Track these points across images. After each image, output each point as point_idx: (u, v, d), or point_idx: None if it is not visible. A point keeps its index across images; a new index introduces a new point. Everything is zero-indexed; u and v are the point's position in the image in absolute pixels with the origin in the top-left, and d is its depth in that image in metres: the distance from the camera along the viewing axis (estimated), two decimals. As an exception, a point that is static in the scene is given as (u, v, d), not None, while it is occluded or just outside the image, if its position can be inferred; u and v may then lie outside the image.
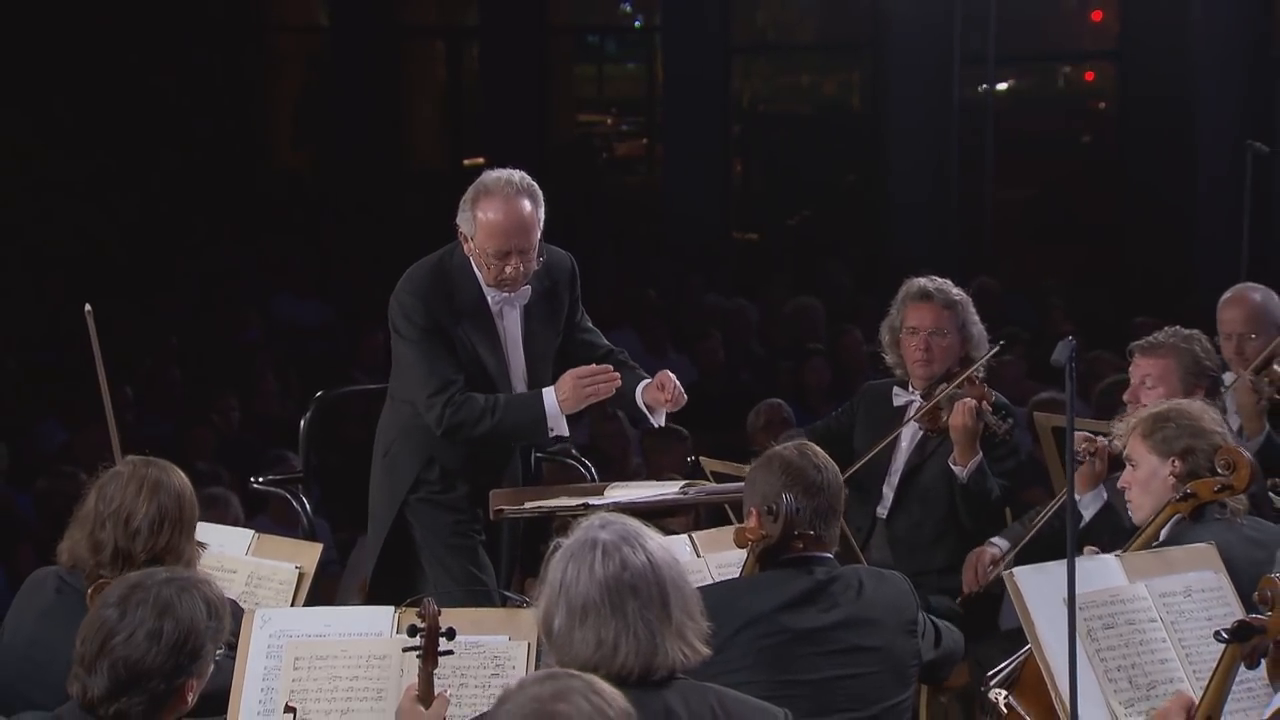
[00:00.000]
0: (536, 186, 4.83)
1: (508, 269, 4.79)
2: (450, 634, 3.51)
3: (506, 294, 4.88)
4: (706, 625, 3.18)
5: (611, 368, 4.88)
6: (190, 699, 3.30)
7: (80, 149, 12.94)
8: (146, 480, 3.95)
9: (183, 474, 4.04)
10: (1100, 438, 4.76)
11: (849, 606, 3.87)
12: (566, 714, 2.51)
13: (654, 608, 3.08)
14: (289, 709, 3.66)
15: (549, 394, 4.82)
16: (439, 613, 3.52)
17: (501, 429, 4.85)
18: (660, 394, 4.89)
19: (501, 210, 4.76)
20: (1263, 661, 3.17)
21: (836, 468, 4.01)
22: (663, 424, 5.07)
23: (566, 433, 4.93)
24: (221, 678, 3.80)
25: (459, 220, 4.85)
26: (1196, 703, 3.31)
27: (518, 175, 4.83)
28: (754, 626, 3.78)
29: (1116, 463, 4.70)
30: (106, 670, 3.22)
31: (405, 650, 3.56)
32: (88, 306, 4.70)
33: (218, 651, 3.39)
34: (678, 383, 4.91)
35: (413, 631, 3.51)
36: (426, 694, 3.47)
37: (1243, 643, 3.14)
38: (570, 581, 3.10)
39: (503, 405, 4.84)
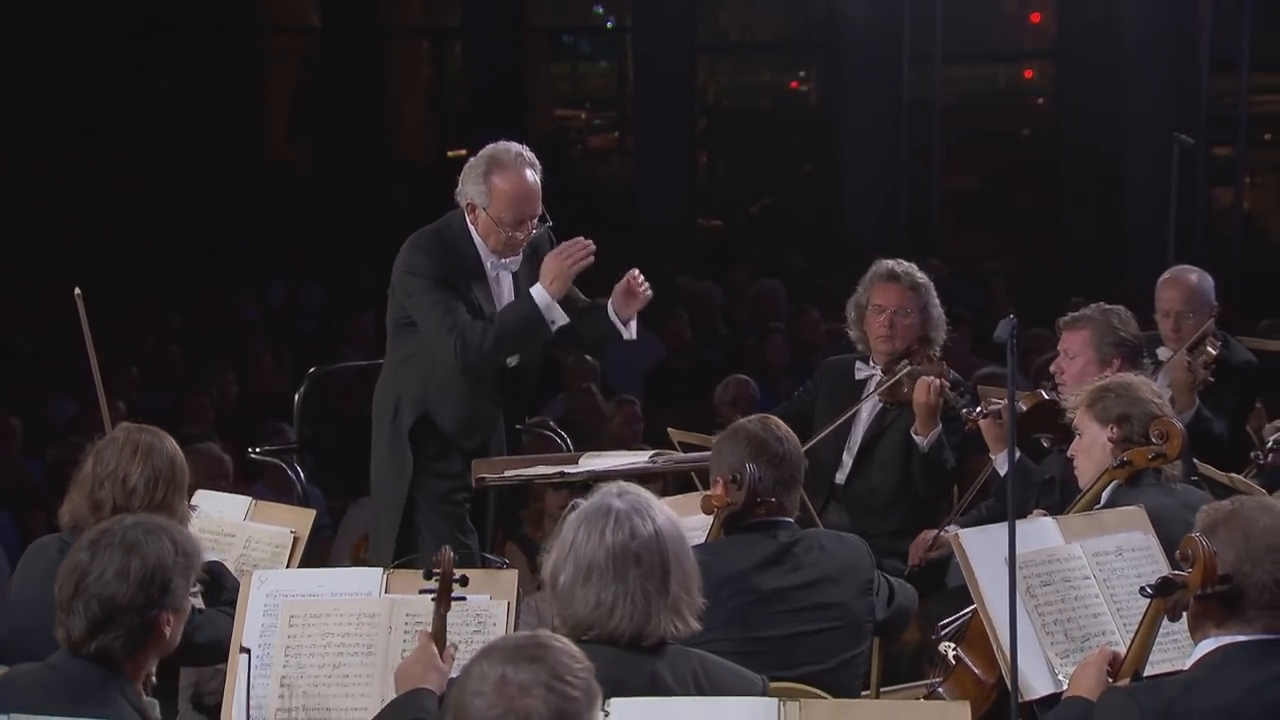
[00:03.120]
0: (535, 157, 4.85)
1: (519, 235, 4.81)
2: (464, 581, 3.48)
3: (504, 260, 4.87)
4: (701, 601, 3.18)
5: (582, 238, 4.82)
6: (168, 633, 3.28)
7: (88, 144, 12.86)
8: (140, 445, 3.96)
9: (173, 439, 4.05)
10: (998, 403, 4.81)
11: (811, 568, 3.87)
12: (533, 709, 2.51)
13: (654, 579, 3.08)
14: (244, 650, 3.63)
15: (536, 287, 4.77)
16: (454, 559, 3.49)
17: (503, 334, 4.77)
18: (631, 297, 4.87)
19: (515, 181, 4.76)
20: (1184, 615, 3.18)
21: (797, 439, 4.00)
22: (634, 336, 5.02)
23: (566, 319, 4.82)
24: (218, 629, 3.85)
25: (468, 191, 4.81)
26: (1124, 654, 3.32)
27: (522, 148, 4.84)
28: (727, 587, 3.77)
29: (1022, 422, 4.74)
30: (82, 610, 3.21)
31: (421, 592, 3.50)
32: (77, 290, 4.66)
33: (194, 588, 3.37)
34: (641, 277, 4.87)
35: (429, 575, 3.48)
36: (439, 634, 3.44)
37: (1165, 597, 3.15)
38: (581, 542, 3.10)
39: (498, 314, 4.79)
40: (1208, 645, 3.09)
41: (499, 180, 4.76)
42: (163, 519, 3.47)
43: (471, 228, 4.85)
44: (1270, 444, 5.02)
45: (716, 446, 3.99)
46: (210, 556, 4.09)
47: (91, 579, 3.22)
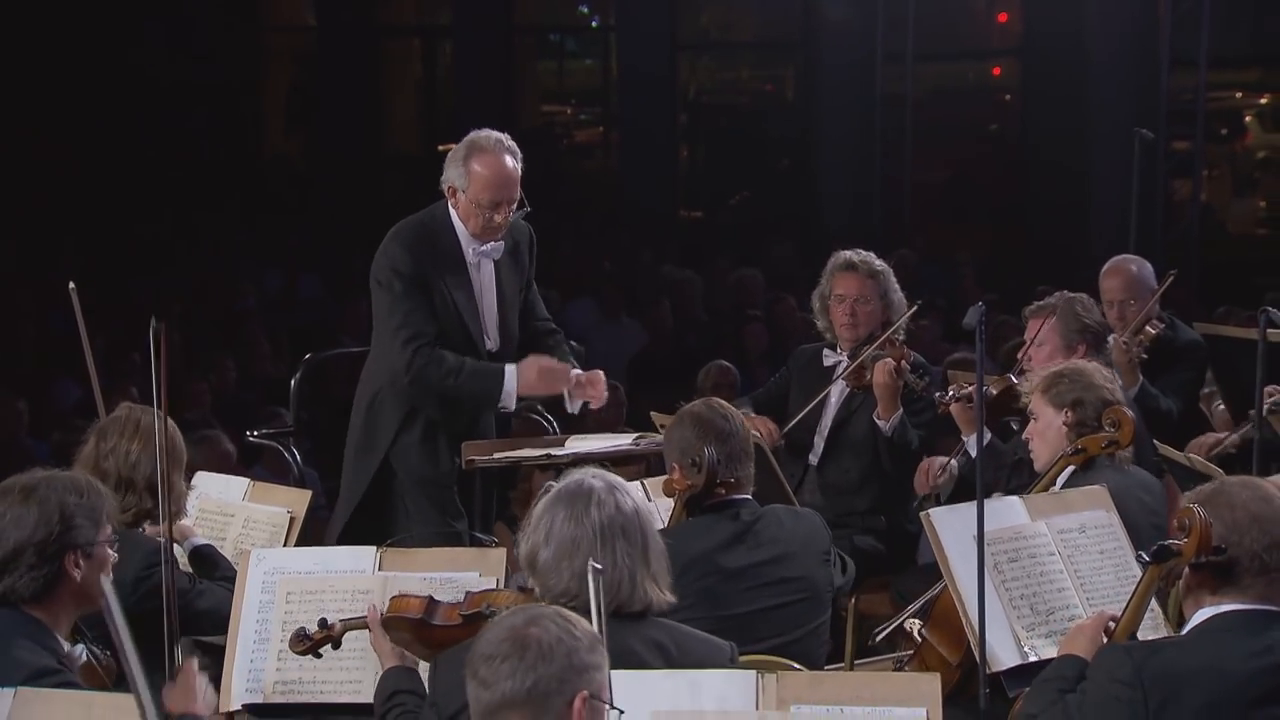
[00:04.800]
0: (516, 146, 4.84)
1: (496, 218, 4.77)
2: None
3: (484, 247, 4.84)
4: (670, 579, 3.19)
5: (598, 388, 4.86)
6: (78, 576, 3.22)
7: (94, 139, 12.81)
8: (141, 423, 3.99)
9: (171, 420, 4.03)
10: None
11: (772, 544, 3.88)
12: (538, 636, 2.53)
13: (637, 551, 3.10)
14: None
15: (510, 375, 4.76)
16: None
17: (460, 392, 4.79)
18: (590, 390, 4.88)
19: (494, 165, 4.74)
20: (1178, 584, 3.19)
21: (740, 415, 4.00)
22: (575, 411, 5.00)
23: (513, 408, 4.87)
24: (216, 598, 3.89)
25: (449, 175, 4.79)
26: (1118, 619, 3.33)
27: (502, 135, 4.82)
28: (694, 568, 3.77)
29: (991, 406, 4.74)
30: None
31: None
32: (71, 285, 4.64)
33: (112, 539, 3.31)
34: (604, 386, 4.92)
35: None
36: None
37: (1161, 564, 3.16)
38: (562, 521, 3.10)
39: (467, 371, 4.77)
40: (1204, 614, 3.10)
41: (478, 165, 4.75)
42: (72, 472, 3.44)
43: (452, 212, 4.82)
44: (1269, 405, 5.03)
45: (666, 435, 3.99)
46: (200, 540, 4.11)
47: None
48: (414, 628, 3.30)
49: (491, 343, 4.93)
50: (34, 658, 3.10)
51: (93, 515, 3.24)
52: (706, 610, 3.70)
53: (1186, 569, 3.10)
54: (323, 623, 3.47)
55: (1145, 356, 5.48)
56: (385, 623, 3.37)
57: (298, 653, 3.47)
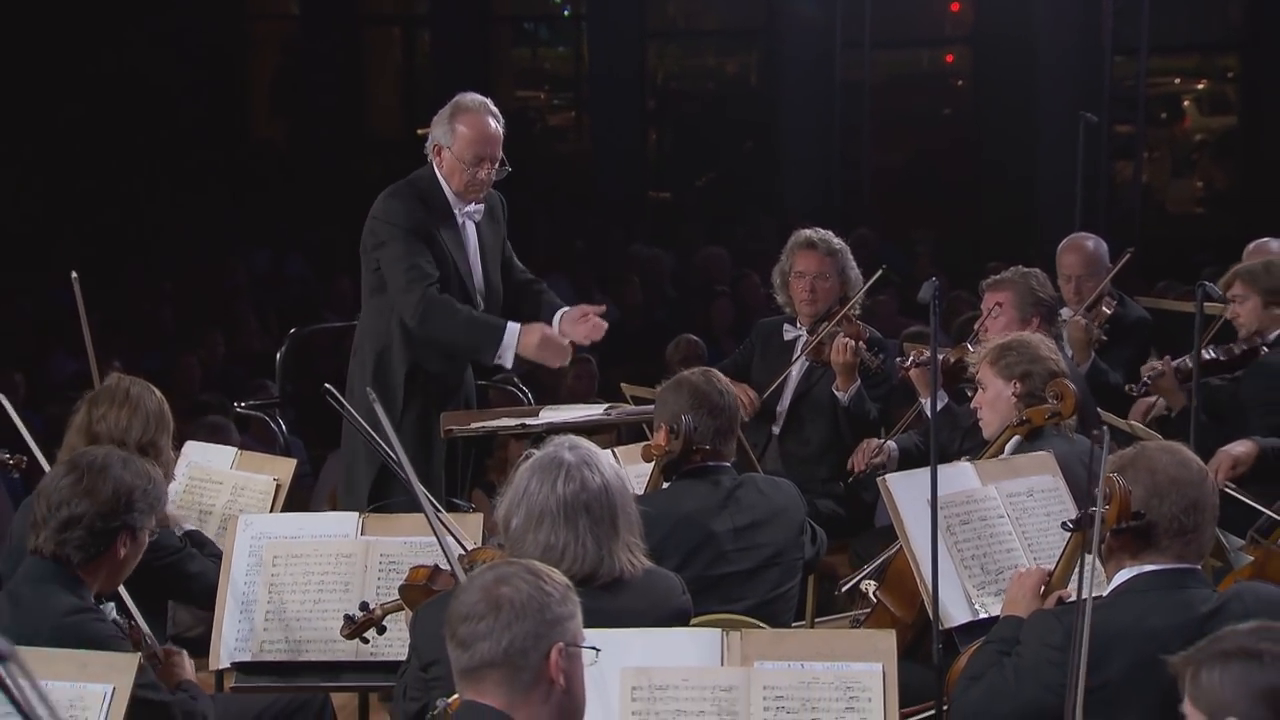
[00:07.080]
0: (498, 110, 4.83)
1: (480, 174, 4.76)
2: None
3: (469, 207, 4.81)
4: (644, 546, 3.18)
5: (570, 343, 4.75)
6: (122, 554, 3.31)
7: (88, 125, 12.70)
8: (131, 391, 4.04)
9: (157, 390, 4.12)
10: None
11: (751, 510, 3.87)
12: (510, 596, 2.51)
13: (604, 525, 3.08)
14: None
15: (512, 333, 4.65)
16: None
17: (458, 338, 4.69)
18: (580, 325, 4.78)
19: (478, 124, 4.75)
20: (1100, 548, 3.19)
21: (734, 392, 3.99)
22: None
23: (509, 365, 4.80)
24: (204, 564, 3.92)
25: (435, 134, 4.78)
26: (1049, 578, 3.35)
27: (486, 100, 4.82)
28: (679, 531, 3.77)
29: (949, 373, 4.75)
30: (53, 516, 3.26)
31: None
32: (74, 274, 4.62)
33: (153, 532, 3.40)
34: (598, 317, 4.80)
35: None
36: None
37: (1085, 531, 3.17)
38: (533, 491, 3.08)
39: (466, 318, 4.69)
40: (1124, 575, 3.11)
41: (462, 124, 4.75)
42: (145, 461, 3.50)
43: (438, 172, 4.80)
44: (1144, 379, 5.10)
45: (660, 396, 3.97)
46: (190, 526, 4.10)
47: (65, 484, 3.28)
48: (423, 594, 3.32)
49: (480, 297, 4.89)
50: (70, 599, 3.21)
51: (151, 505, 3.34)
52: (689, 571, 3.69)
53: (1108, 534, 3.10)
54: (364, 606, 3.47)
55: (1106, 339, 5.45)
56: (401, 591, 3.36)
57: (345, 636, 3.47)
